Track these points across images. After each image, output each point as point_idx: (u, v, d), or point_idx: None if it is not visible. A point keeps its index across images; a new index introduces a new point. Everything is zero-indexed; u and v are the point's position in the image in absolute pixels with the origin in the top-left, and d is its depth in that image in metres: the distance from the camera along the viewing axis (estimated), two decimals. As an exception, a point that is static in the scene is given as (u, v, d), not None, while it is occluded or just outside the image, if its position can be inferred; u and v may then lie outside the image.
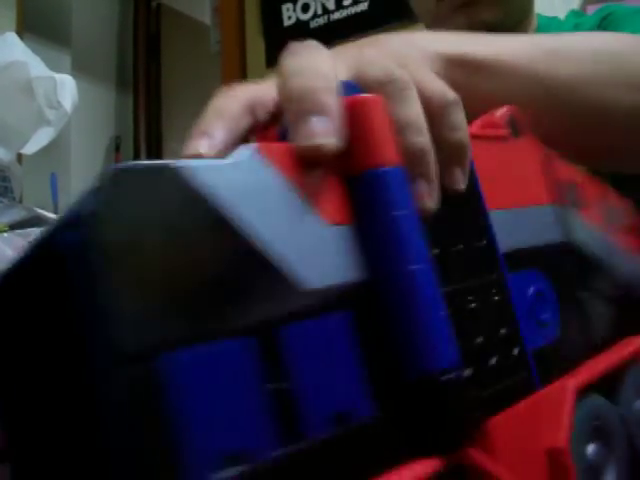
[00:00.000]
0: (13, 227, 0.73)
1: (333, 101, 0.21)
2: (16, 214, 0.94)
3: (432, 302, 0.20)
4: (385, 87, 0.23)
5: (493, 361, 0.23)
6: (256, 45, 1.63)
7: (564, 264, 0.29)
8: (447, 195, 0.23)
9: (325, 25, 1.54)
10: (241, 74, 1.63)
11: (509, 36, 0.39)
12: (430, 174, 0.23)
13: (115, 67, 2.20)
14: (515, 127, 0.29)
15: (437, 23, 0.65)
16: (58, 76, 1.09)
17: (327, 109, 0.21)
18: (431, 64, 0.34)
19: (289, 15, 1.59)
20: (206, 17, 1.95)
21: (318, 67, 0.23)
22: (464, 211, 0.25)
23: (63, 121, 1.11)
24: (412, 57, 0.30)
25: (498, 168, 0.27)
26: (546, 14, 0.75)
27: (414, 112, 0.23)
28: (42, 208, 0.83)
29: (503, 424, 0.22)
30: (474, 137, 0.26)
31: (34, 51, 1.11)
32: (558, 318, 0.27)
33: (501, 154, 0.28)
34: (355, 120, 0.21)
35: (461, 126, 0.24)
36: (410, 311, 0.20)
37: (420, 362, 0.20)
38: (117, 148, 2.15)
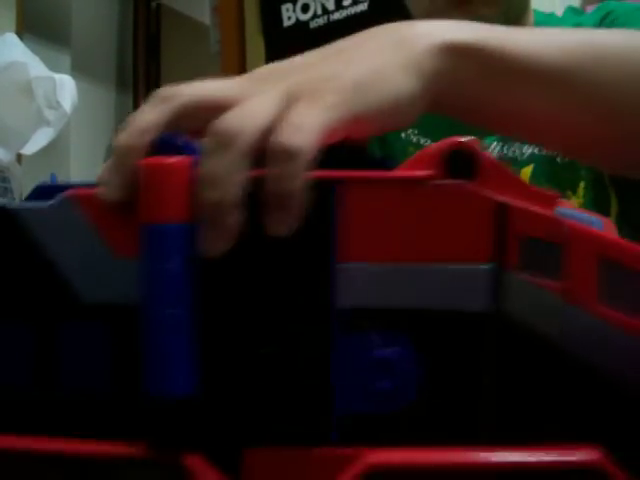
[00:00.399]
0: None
1: (127, 160, 0.26)
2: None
3: (163, 341, 0.25)
4: (209, 138, 0.25)
5: (275, 403, 0.26)
6: (256, 45, 1.63)
7: (464, 336, 0.25)
8: (282, 241, 0.25)
9: (325, 25, 1.54)
10: (241, 74, 1.63)
11: (536, 30, 0.36)
12: (216, 224, 0.25)
13: (115, 67, 2.20)
14: (461, 166, 0.25)
15: (432, 19, 0.65)
16: (58, 76, 1.09)
17: (119, 166, 0.26)
18: (437, 57, 0.31)
19: (289, 15, 1.59)
20: (206, 17, 1.95)
21: (134, 126, 0.27)
22: (299, 261, 0.25)
23: (63, 121, 1.11)
24: (318, 89, 0.28)
25: (398, 216, 0.25)
26: (545, 10, 0.74)
27: (214, 165, 0.25)
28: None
29: (264, 458, 0.26)
30: (376, 179, 0.25)
31: (34, 51, 1.12)
32: (414, 392, 0.25)
33: (413, 200, 0.25)
34: (146, 179, 0.25)
35: (283, 175, 0.25)
36: (147, 341, 0.25)
37: (146, 382, 0.25)
38: (117, 148, 2.15)
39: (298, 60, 0.31)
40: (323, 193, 0.25)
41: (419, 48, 0.31)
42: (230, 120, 0.26)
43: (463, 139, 0.26)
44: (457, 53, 0.32)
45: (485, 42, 0.33)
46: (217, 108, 0.27)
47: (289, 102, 0.27)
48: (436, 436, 0.25)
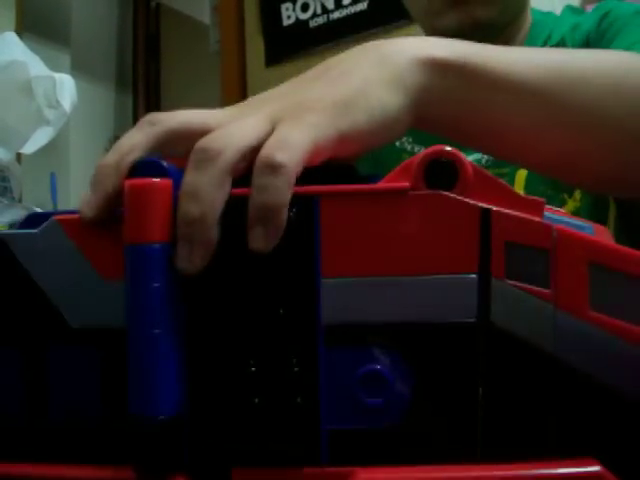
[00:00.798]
0: (12, 227, 0.72)
1: (106, 179, 0.27)
2: (15, 214, 0.94)
3: (148, 362, 0.25)
4: (193, 154, 0.26)
5: (262, 423, 0.25)
6: (255, 44, 1.63)
7: (453, 347, 0.25)
8: (266, 258, 0.25)
9: (324, 24, 1.54)
10: (240, 74, 1.63)
11: (520, 49, 0.36)
12: (192, 239, 0.25)
13: (114, 67, 2.20)
14: (441, 175, 0.25)
15: (429, 19, 0.65)
16: (57, 75, 1.09)
17: (98, 184, 0.27)
18: (420, 72, 0.32)
19: (288, 14, 1.59)
20: (205, 17, 1.95)
21: (119, 147, 0.28)
22: (284, 277, 0.25)
23: (62, 121, 1.11)
24: (302, 110, 0.28)
25: (380, 229, 0.25)
26: (544, 10, 0.74)
27: (195, 181, 0.25)
28: (41, 208, 0.83)
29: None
30: (355, 192, 0.25)
31: (33, 51, 1.11)
32: (405, 406, 0.25)
33: (393, 212, 0.25)
34: (130, 198, 0.25)
35: (267, 189, 0.25)
36: (132, 362, 0.25)
37: (132, 404, 0.25)
38: (116, 148, 2.15)
39: (283, 87, 0.31)
40: (305, 208, 0.25)
41: (402, 63, 0.31)
42: (214, 138, 0.26)
43: (446, 148, 0.25)
44: (439, 68, 0.32)
45: (467, 59, 0.33)
46: (202, 134, 0.27)
47: (274, 124, 0.27)
48: (429, 451, 0.25)
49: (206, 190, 0.25)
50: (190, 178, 0.25)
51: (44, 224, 0.27)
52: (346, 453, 0.25)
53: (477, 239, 0.25)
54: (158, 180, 0.25)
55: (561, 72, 0.35)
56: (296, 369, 0.25)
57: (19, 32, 1.39)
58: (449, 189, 0.25)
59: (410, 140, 0.72)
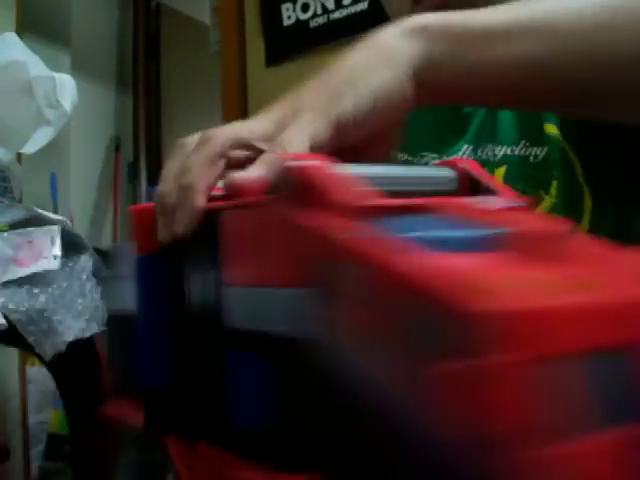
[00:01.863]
0: (13, 227, 0.73)
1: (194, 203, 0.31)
2: (16, 214, 0.93)
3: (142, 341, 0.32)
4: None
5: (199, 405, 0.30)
6: (256, 45, 1.63)
7: (303, 361, 0.23)
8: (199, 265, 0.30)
9: (325, 25, 1.54)
10: (241, 74, 1.63)
11: (501, 6, 0.39)
12: (182, 204, 0.30)
13: (115, 67, 2.20)
14: (289, 188, 0.25)
15: None
16: (58, 76, 1.09)
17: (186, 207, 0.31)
18: (407, 41, 0.35)
19: (289, 15, 1.59)
20: (206, 17, 1.95)
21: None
22: (203, 278, 0.30)
23: (63, 121, 1.11)
24: (300, 112, 0.32)
25: (252, 240, 0.26)
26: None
27: (190, 160, 0.32)
28: (42, 208, 0.83)
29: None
30: (233, 205, 0.28)
31: (34, 51, 1.11)
32: (272, 414, 0.25)
33: (254, 223, 0.26)
34: (130, 221, 0.32)
35: (184, 169, 0.31)
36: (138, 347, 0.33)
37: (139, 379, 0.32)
38: (117, 148, 2.15)
39: (288, 96, 0.35)
40: (210, 220, 0.29)
41: (387, 41, 0.35)
42: (213, 130, 0.32)
43: (306, 161, 0.25)
44: (423, 35, 0.35)
45: (446, 20, 0.37)
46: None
47: (277, 127, 0.33)
48: (295, 458, 0.24)
49: (196, 165, 0.31)
50: (189, 159, 0.32)
51: None
52: (250, 450, 0.27)
53: (300, 254, 0.23)
54: (145, 205, 0.32)
55: (528, 12, 0.38)
56: (212, 369, 0.29)
57: (19, 32, 1.39)
58: (293, 202, 0.24)
59: None
